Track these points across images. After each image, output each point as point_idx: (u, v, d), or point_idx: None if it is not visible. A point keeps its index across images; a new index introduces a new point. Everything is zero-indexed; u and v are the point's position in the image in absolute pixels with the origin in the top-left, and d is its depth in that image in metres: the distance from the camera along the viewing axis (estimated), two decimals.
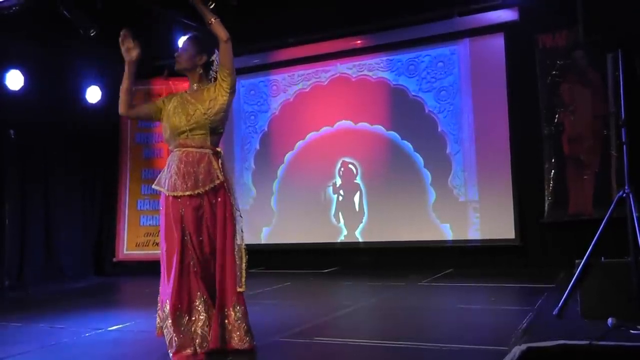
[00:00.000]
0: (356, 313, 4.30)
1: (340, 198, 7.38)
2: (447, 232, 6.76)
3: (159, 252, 3.15)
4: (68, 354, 3.29)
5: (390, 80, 7.15)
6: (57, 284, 6.80)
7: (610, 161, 5.75)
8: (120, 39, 3.11)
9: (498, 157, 6.52)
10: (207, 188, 3.02)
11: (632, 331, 2.77)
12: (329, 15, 6.83)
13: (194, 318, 2.94)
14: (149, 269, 5.71)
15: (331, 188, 7.43)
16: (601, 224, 3.29)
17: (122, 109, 3.14)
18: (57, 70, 7.23)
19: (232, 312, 2.97)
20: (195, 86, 3.18)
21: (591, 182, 5.90)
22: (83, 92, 7.45)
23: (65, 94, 7.33)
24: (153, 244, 7.51)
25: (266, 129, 7.83)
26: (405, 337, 3.28)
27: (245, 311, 2.99)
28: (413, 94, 7.01)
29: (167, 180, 3.08)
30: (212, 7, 6.22)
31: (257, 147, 7.86)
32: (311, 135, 7.56)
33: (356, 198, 7.28)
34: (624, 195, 3.27)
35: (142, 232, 7.71)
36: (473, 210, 6.65)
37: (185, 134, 3.08)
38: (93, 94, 7.49)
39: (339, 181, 7.39)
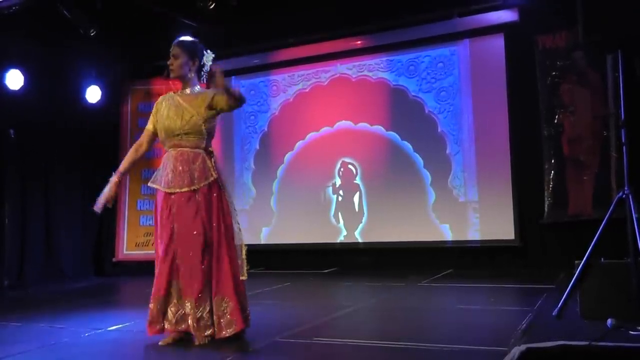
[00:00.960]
0: (356, 313, 4.30)
1: (340, 198, 7.38)
2: (446, 233, 6.76)
3: None
4: (68, 353, 3.29)
5: (390, 80, 7.15)
6: (57, 283, 6.80)
7: (610, 162, 5.75)
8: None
9: (498, 157, 6.52)
10: (202, 184, 3.22)
11: (632, 332, 2.77)
12: (329, 16, 6.83)
13: (170, 303, 3.26)
14: (149, 269, 5.65)
15: (331, 188, 7.43)
16: (601, 224, 3.29)
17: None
18: (57, 70, 7.23)
19: (222, 302, 3.18)
20: (188, 90, 3.38)
21: (591, 182, 5.90)
22: (83, 92, 7.45)
23: (65, 93, 7.33)
24: (153, 244, 7.46)
25: (266, 129, 7.83)
26: (405, 338, 3.28)
27: (238, 301, 3.19)
28: (413, 94, 7.02)
29: (163, 178, 3.27)
30: (212, 7, 6.24)
31: (257, 147, 7.86)
32: (311, 136, 7.57)
33: (356, 198, 7.28)
34: (624, 196, 3.27)
35: (141, 232, 7.71)
36: (473, 210, 6.65)
37: (180, 136, 3.27)
38: (93, 94, 7.49)
39: (338, 181, 7.40)
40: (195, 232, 3.18)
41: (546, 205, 6.09)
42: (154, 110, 3.43)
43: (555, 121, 6.10)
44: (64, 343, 3.52)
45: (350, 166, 7.35)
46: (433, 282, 5.67)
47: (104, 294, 6.27)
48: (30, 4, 5.91)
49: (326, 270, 6.99)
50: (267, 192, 7.74)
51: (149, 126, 3.44)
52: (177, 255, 3.23)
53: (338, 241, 7.33)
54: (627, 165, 3.34)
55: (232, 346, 3.14)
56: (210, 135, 3.34)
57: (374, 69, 7.26)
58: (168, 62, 3.36)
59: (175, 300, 3.26)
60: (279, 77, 7.79)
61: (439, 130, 6.86)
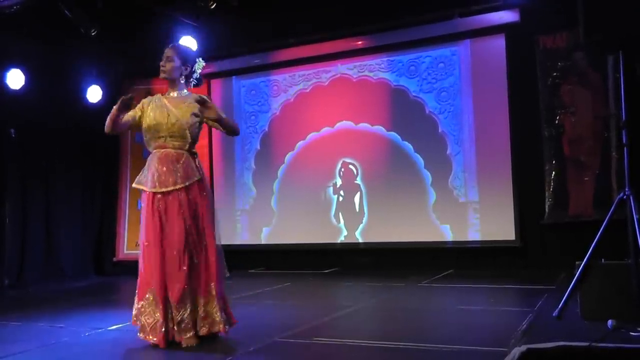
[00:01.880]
0: (356, 314, 4.30)
1: (341, 198, 7.37)
2: (447, 233, 6.75)
3: None
4: (68, 353, 3.29)
5: (390, 80, 7.15)
6: (57, 283, 6.81)
7: (611, 162, 5.75)
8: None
9: (498, 158, 6.52)
10: (186, 184, 3.28)
11: (632, 333, 2.77)
12: (330, 16, 6.83)
13: (148, 307, 3.27)
14: None
15: (331, 188, 7.43)
16: (601, 225, 3.29)
17: (107, 129, 3.46)
18: (57, 69, 7.23)
19: (202, 301, 3.24)
20: (175, 94, 3.44)
21: (591, 183, 5.90)
22: (84, 92, 7.44)
23: (65, 93, 7.33)
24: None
25: (267, 129, 7.83)
26: (405, 338, 3.28)
27: (218, 301, 3.25)
28: (414, 94, 7.01)
29: (147, 179, 3.35)
30: (213, 6, 6.24)
31: (258, 147, 7.86)
32: (312, 136, 7.56)
33: (356, 198, 7.28)
34: (625, 197, 3.27)
35: None
36: (473, 211, 6.65)
37: (164, 138, 3.36)
38: (94, 93, 7.47)
39: (339, 181, 7.39)
40: (177, 231, 3.22)
41: (547, 206, 6.09)
42: (139, 106, 3.46)
43: (556, 122, 6.10)
44: (64, 342, 3.53)
45: (350, 166, 7.34)
46: (433, 283, 5.67)
47: (104, 293, 6.27)
48: (31, 3, 5.91)
49: (326, 271, 6.99)
50: (267, 192, 7.73)
51: (136, 113, 3.42)
52: (164, 255, 3.25)
53: (338, 241, 7.32)
54: (627, 166, 3.35)
55: (232, 346, 3.14)
56: (194, 140, 3.41)
57: (374, 69, 7.26)
58: (160, 63, 3.42)
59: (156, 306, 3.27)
60: (280, 77, 7.79)
61: (440, 130, 6.86)
